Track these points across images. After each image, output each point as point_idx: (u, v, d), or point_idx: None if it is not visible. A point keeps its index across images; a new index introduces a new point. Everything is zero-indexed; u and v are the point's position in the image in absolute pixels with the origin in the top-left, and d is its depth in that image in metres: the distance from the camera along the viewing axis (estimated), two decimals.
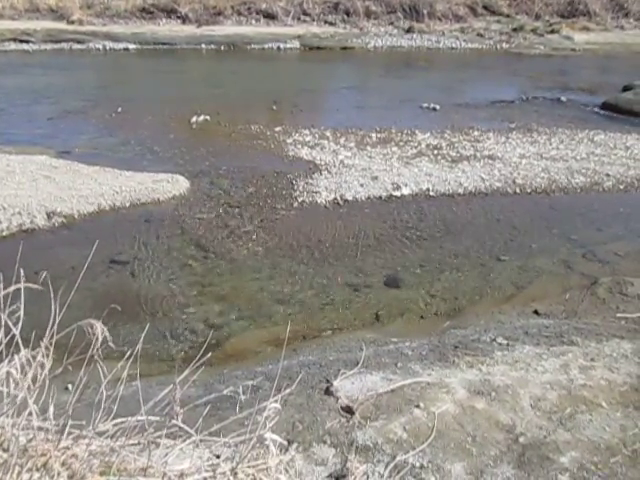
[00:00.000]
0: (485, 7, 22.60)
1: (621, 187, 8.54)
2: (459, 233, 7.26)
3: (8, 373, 1.84)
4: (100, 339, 2.02)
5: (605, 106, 12.34)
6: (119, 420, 2.12)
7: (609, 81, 14.34)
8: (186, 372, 2.21)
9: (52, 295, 2.07)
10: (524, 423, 3.47)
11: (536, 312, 5.39)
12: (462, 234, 7.23)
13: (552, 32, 20.94)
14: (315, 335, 5.18)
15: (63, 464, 1.85)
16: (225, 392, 2.60)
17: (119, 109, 12.14)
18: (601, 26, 21.92)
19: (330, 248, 6.91)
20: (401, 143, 10.31)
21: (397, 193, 8.43)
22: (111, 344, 2.10)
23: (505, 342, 4.57)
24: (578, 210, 7.92)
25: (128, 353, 2.17)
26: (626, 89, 13.01)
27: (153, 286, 5.96)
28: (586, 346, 4.39)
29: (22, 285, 2.02)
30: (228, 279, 6.19)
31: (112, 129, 11.02)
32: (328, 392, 3.81)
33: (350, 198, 8.31)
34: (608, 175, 8.78)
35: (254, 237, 7.18)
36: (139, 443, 2.07)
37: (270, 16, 21.25)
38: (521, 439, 3.36)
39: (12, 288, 2.02)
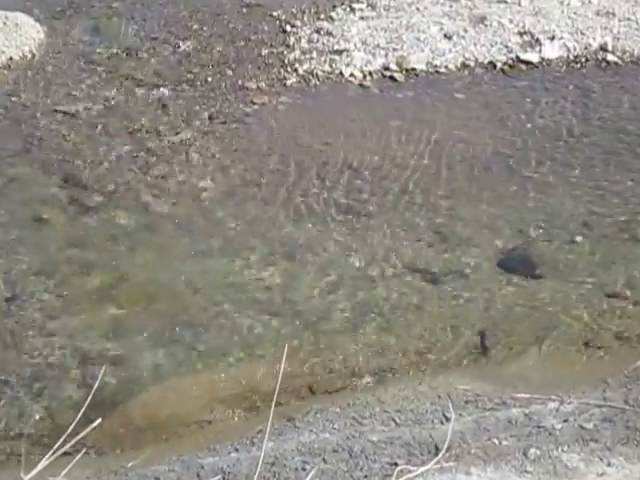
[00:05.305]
0: None
1: None
2: None
3: None
4: None
5: None
6: None
7: None
8: (42, 464, 2.43)
9: None
10: None
11: None
12: None
13: None
14: (338, 385, 5.26)
15: None
16: None
17: None
18: None
19: (373, 183, 6.82)
20: None
21: (532, 56, 8.15)
22: None
23: None
24: None
25: None
26: None
27: None
28: None
29: None
30: (136, 253, 6.25)
31: None
32: None
33: (421, 67, 8.02)
34: None
35: (195, 156, 7.03)
36: None
37: None
38: None
39: None
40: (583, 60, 8.29)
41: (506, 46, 8.31)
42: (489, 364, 5.45)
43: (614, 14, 8.73)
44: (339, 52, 8.17)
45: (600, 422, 4.47)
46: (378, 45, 8.24)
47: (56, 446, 2.41)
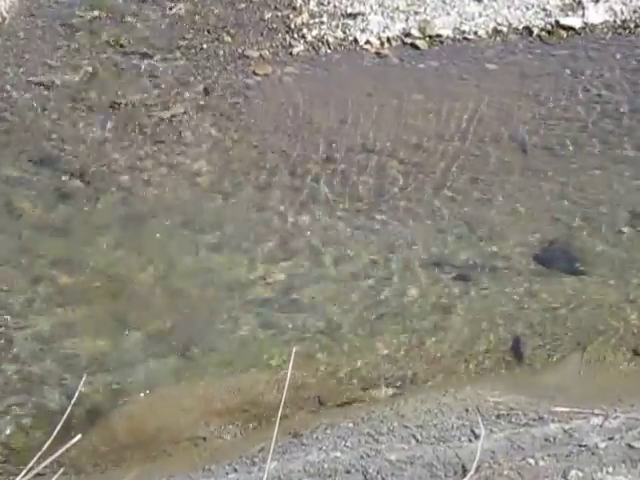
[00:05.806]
0: None
1: None
2: None
3: None
4: None
5: None
6: None
7: None
8: None
9: None
10: None
11: None
12: None
13: None
14: (351, 396, 5.30)
15: None
16: None
17: None
18: None
19: (392, 166, 6.87)
20: None
21: (574, 20, 8.08)
22: None
23: None
24: None
25: None
26: None
27: None
28: None
29: None
30: (121, 246, 6.29)
31: None
32: None
33: (447, 33, 8.06)
34: None
35: (188, 135, 7.13)
36: None
37: None
38: None
39: None
40: (632, 26, 8.19)
41: (544, 9, 8.28)
42: (524, 373, 5.46)
43: None
44: (353, 16, 8.12)
45: None
46: (398, 8, 8.22)
47: (29, 465, 2.41)
